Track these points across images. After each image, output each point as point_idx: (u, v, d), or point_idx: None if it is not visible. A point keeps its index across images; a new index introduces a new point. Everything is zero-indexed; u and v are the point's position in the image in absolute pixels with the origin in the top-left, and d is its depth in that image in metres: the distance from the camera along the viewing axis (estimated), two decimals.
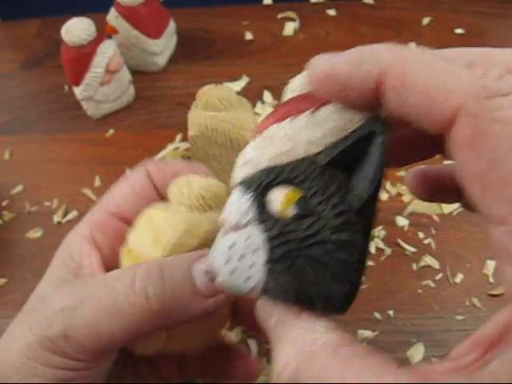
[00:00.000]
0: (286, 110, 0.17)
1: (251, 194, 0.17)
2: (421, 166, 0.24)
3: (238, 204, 0.17)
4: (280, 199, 0.16)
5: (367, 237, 0.16)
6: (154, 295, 0.20)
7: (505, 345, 0.13)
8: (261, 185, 0.17)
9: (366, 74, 0.15)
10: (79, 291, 0.22)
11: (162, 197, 0.26)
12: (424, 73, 0.14)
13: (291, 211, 0.16)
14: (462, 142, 0.14)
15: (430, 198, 0.24)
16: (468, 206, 0.23)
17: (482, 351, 0.14)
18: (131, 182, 0.26)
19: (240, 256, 0.16)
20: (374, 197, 0.16)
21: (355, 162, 0.16)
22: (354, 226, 0.16)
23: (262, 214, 0.16)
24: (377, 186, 0.16)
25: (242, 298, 0.18)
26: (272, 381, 0.17)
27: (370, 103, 0.16)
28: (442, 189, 0.24)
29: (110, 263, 0.25)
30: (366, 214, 0.16)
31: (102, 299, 0.21)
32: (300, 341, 0.15)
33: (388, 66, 0.15)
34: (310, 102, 0.17)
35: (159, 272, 0.20)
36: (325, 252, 0.16)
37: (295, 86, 0.19)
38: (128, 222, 0.26)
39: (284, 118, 0.17)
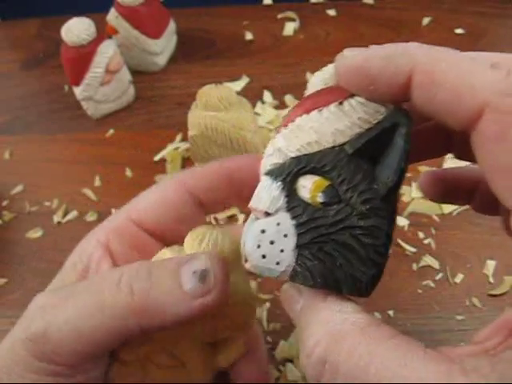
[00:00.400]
0: (312, 102, 0.18)
1: (281, 181, 0.17)
2: (434, 169, 0.25)
3: (269, 191, 0.17)
4: (309, 187, 0.17)
5: (391, 222, 0.17)
6: (138, 292, 0.19)
7: None
8: (290, 173, 0.17)
9: (397, 70, 0.16)
10: (65, 290, 0.21)
11: (197, 206, 0.25)
12: (452, 71, 0.15)
13: (319, 198, 0.17)
14: (489, 137, 0.15)
15: (442, 199, 0.25)
16: (479, 207, 0.24)
17: (505, 335, 0.14)
18: (160, 191, 0.25)
19: (271, 241, 0.17)
20: (398, 185, 0.17)
21: (379, 152, 0.17)
22: (380, 212, 0.17)
23: (292, 201, 0.17)
24: (400, 175, 0.17)
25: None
26: (300, 360, 0.17)
27: (397, 98, 0.17)
28: (455, 191, 0.24)
29: None
30: (391, 200, 0.17)
31: (85, 297, 0.20)
32: (329, 322, 0.16)
33: (418, 63, 0.16)
34: (335, 94, 0.18)
35: (147, 271, 0.20)
36: (352, 237, 0.17)
37: (319, 80, 0.19)
38: (149, 231, 0.25)
39: (311, 110, 0.18)
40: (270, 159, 0.18)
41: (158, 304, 0.19)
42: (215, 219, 0.47)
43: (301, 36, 0.62)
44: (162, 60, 0.60)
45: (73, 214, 0.49)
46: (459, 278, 0.41)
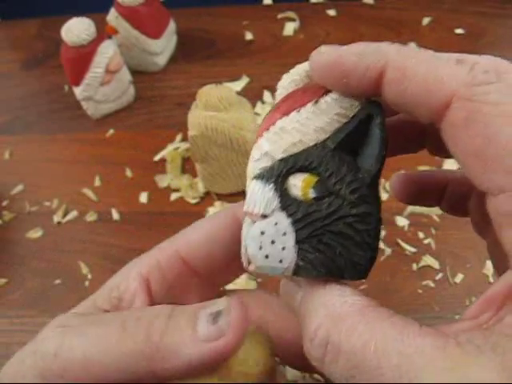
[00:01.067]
0: (290, 104, 0.19)
1: (273, 183, 0.18)
2: (403, 172, 0.25)
3: (262, 194, 0.18)
4: (299, 184, 0.18)
5: (378, 206, 0.18)
6: (154, 333, 0.19)
7: None
8: (280, 174, 0.18)
9: (370, 65, 0.17)
10: (88, 317, 0.21)
11: None
12: (421, 66, 0.16)
13: (311, 194, 0.18)
14: (458, 124, 0.16)
15: (413, 202, 0.26)
16: (448, 208, 0.25)
17: (495, 308, 0.15)
18: (211, 225, 0.24)
19: (271, 241, 0.18)
20: (380, 171, 0.18)
21: (359, 144, 0.18)
22: (368, 199, 0.18)
23: (285, 200, 0.18)
24: (381, 161, 0.18)
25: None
26: (304, 346, 0.17)
27: (370, 92, 0.18)
28: (425, 193, 0.25)
29: None
30: (375, 186, 0.18)
31: (105, 329, 0.19)
32: (329, 305, 0.17)
33: (390, 60, 0.17)
34: (310, 94, 0.19)
35: (167, 314, 0.19)
36: (347, 225, 0.18)
37: (288, 82, 0.20)
38: (195, 269, 0.24)
39: (290, 111, 0.19)
40: (258, 163, 0.19)
41: (170, 347, 0.18)
42: None
43: (301, 36, 0.62)
44: (162, 60, 0.60)
45: (73, 214, 0.49)
46: (459, 277, 0.41)
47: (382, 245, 0.43)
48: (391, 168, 0.54)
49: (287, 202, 0.18)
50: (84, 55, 0.51)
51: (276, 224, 0.18)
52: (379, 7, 0.64)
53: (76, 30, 0.50)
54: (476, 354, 0.14)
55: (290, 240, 0.18)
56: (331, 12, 0.64)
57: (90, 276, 0.45)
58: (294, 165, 0.18)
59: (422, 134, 0.22)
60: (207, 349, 0.18)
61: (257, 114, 0.54)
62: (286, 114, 0.19)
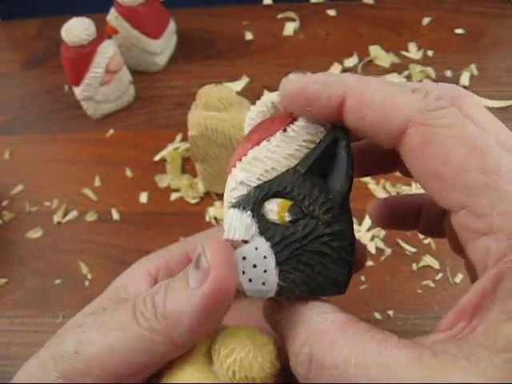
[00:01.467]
0: (259, 134, 0.20)
1: (250, 210, 0.19)
2: (382, 197, 0.27)
3: (241, 221, 0.19)
4: (275, 209, 0.19)
5: (351, 223, 0.19)
6: (157, 304, 0.19)
7: (485, 310, 0.15)
8: (256, 201, 0.19)
9: (332, 94, 0.18)
10: (103, 311, 0.21)
11: None
12: (379, 94, 0.18)
13: (287, 217, 0.19)
14: (414, 147, 0.17)
15: (391, 226, 0.27)
16: (425, 230, 0.26)
17: (468, 318, 0.16)
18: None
19: (253, 265, 0.19)
20: (349, 190, 0.19)
21: (327, 167, 0.20)
22: (341, 217, 0.19)
23: (263, 225, 0.19)
24: (350, 181, 0.19)
25: None
26: (290, 363, 0.18)
27: (333, 119, 0.19)
28: (401, 217, 0.26)
29: None
30: (346, 205, 0.19)
31: (118, 316, 0.20)
32: (312, 322, 0.18)
33: (350, 89, 0.18)
34: (278, 123, 0.20)
35: (165, 284, 0.20)
36: (323, 244, 0.19)
37: (255, 114, 0.21)
38: None
39: (260, 141, 0.20)
40: (234, 193, 0.20)
41: (174, 310, 0.19)
42: (215, 219, 0.47)
43: (301, 36, 0.62)
44: (162, 60, 0.60)
45: (73, 214, 0.49)
46: (459, 277, 0.41)
47: (382, 245, 0.43)
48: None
49: (265, 227, 0.19)
50: (84, 55, 0.51)
51: (256, 249, 0.19)
52: (379, 7, 0.64)
53: (76, 30, 0.50)
54: (451, 363, 0.15)
55: (270, 263, 0.19)
56: (331, 12, 0.64)
57: (89, 276, 0.45)
58: (268, 191, 0.19)
59: (393, 156, 0.22)
60: (200, 293, 0.18)
61: None
62: (257, 143, 0.20)
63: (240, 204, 0.19)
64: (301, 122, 0.20)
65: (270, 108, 0.21)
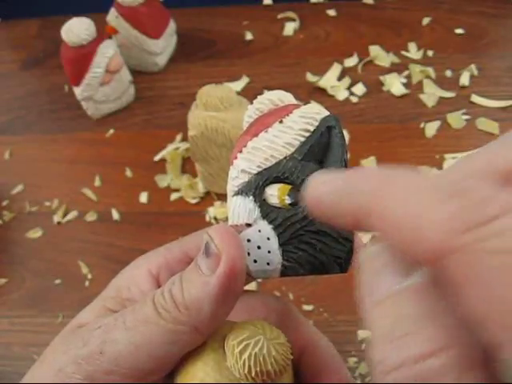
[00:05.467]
0: (257, 127, 0.21)
1: (252, 195, 0.20)
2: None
3: (244, 206, 0.20)
4: (276, 193, 0.20)
5: None
6: (176, 296, 0.20)
7: None
8: (257, 186, 0.20)
9: (345, 209, 0.15)
10: (120, 312, 0.21)
11: None
12: (401, 210, 0.14)
13: (287, 201, 0.20)
14: (455, 281, 0.13)
15: None
16: None
17: None
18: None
19: (258, 246, 0.20)
20: None
21: (323, 153, 0.21)
22: None
23: (265, 209, 0.20)
24: (345, 165, 0.21)
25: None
26: None
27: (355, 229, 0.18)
28: None
29: None
30: None
31: (140, 312, 0.20)
32: None
33: (365, 202, 0.15)
34: (274, 116, 0.21)
35: (179, 276, 0.20)
36: (322, 223, 0.20)
37: (253, 111, 0.22)
38: None
39: (258, 133, 0.21)
40: (236, 181, 0.21)
41: (193, 298, 0.19)
42: (215, 219, 0.47)
43: (301, 36, 0.62)
44: (162, 60, 0.60)
45: (73, 214, 0.49)
46: None
47: None
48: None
49: (267, 211, 0.20)
50: (84, 55, 0.51)
51: (259, 231, 0.20)
52: (379, 7, 0.64)
53: (76, 29, 0.50)
54: None
55: (274, 243, 0.20)
56: (331, 12, 0.64)
57: (90, 276, 0.45)
58: (268, 177, 0.20)
59: None
60: (216, 278, 0.19)
61: None
62: (256, 135, 0.21)
63: (242, 191, 0.20)
64: (296, 114, 0.21)
65: (267, 104, 0.22)
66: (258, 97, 0.22)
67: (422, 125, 0.51)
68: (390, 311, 0.14)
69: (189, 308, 0.19)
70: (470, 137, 0.50)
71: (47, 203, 0.50)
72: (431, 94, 0.54)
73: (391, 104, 0.54)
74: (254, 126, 0.22)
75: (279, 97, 0.22)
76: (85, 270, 0.45)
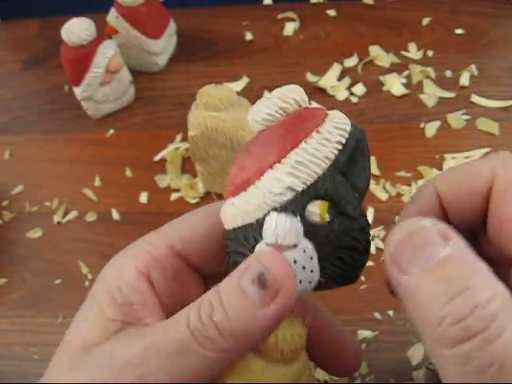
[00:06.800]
0: (295, 136, 0.20)
1: (299, 215, 0.20)
2: None
3: (293, 226, 0.20)
4: (317, 211, 0.20)
5: (366, 215, 0.21)
6: (220, 323, 0.18)
7: None
8: (303, 205, 0.20)
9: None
10: (144, 340, 0.20)
11: None
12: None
13: (327, 218, 0.20)
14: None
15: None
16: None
17: None
18: (206, 220, 0.23)
19: (303, 267, 0.20)
20: (368, 188, 0.21)
21: (347, 166, 0.21)
22: (363, 213, 0.20)
23: (307, 227, 0.20)
24: (369, 181, 0.21)
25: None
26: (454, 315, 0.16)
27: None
28: None
29: (167, 308, 0.22)
30: (363, 200, 0.21)
31: (167, 341, 0.19)
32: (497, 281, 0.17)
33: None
34: (308, 122, 0.20)
35: (218, 299, 0.19)
36: (353, 239, 0.20)
37: (275, 109, 0.21)
38: (190, 263, 0.23)
39: (298, 143, 0.20)
40: (280, 198, 0.20)
41: (241, 329, 0.18)
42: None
43: (301, 36, 0.62)
44: (162, 60, 0.60)
45: (73, 214, 0.49)
46: None
47: (381, 245, 0.43)
48: (392, 167, 0.54)
49: (309, 229, 0.20)
50: (84, 55, 0.51)
51: (304, 251, 0.20)
52: (379, 7, 0.64)
53: (76, 30, 0.50)
54: None
55: (315, 262, 0.20)
56: (331, 12, 0.64)
57: (90, 276, 0.45)
58: (313, 195, 0.20)
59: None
60: (269, 314, 0.18)
61: None
62: (296, 144, 0.20)
63: (288, 209, 0.20)
64: (330, 124, 0.20)
65: (292, 105, 0.21)
66: (277, 93, 0.21)
67: (422, 125, 0.51)
68: (440, 276, 0.16)
69: (236, 338, 0.18)
70: (470, 137, 0.50)
71: (47, 203, 0.50)
72: (431, 94, 0.54)
73: (391, 104, 0.54)
74: (290, 133, 0.20)
75: (302, 97, 0.21)
76: (85, 270, 0.45)
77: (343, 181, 0.20)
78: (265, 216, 0.20)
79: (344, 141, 0.20)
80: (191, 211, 0.25)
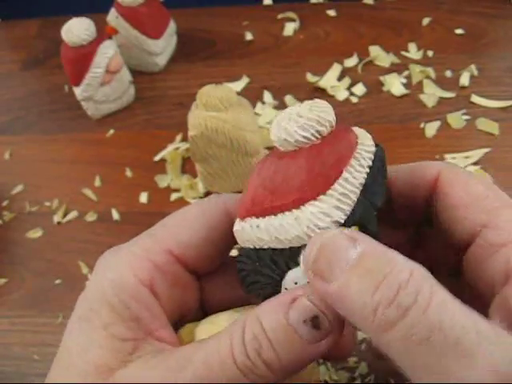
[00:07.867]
0: (338, 165, 0.20)
1: None
2: None
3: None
4: None
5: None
6: (270, 361, 0.18)
7: None
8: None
9: None
10: (184, 374, 0.19)
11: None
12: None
13: None
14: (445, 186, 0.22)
15: None
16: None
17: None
18: (203, 221, 0.24)
19: None
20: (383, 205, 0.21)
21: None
22: (379, 227, 0.20)
23: None
24: (385, 195, 0.21)
25: None
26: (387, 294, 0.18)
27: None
28: None
29: (169, 315, 0.22)
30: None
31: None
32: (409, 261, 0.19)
33: None
34: (345, 147, 0.20)
35: (262, 334, 0.19)
36: None
37: (312, 132, 0.20)
38: (188, 267, 0.23)
39: (340, 173, 0.20)
40: (325, 231, 0.20)
41: (290, 363, 0.19)
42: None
43: (301, 36, 0.62)
44: (162, 60, 0.60)
45: (73, 214, 0.49)
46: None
47: None
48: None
49: None
50: (84, 55, 0.51)
51: None
52: (379, 7, 0.64)
53: (76, 30, 0.50)
54: None
55: None
56: (331, 12, 0.64)
57: (90, 276, 0.45)
58: (351, 224, 0.20)
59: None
60: (318, 351, 0.19)
61: (257, 114, 0.54)
62: (339, 175, 0.20)
63: None
64: (362, 148, 0.21)
65: (327, 128, 0.20)
66: (309, 113, 0.20)
67: (422, 125, 0.51)
68: (361, 272, 0.17)
69: (285, 371, 0.19)
70: (470, 137, 0.50)
71: (47, 203, 0.50)
72: (431, 94, 0.54)
73: (391, 104, 0.54)
74: (331, 162, 0.20)
75: (334, 117, 0.21)
76: (85, 270, 0.45)
77: (368, 203, 0.20)
78: (302, 245, 0.19)
79: (371, 163, 0.20)
80: (182, 209, 0.24)
